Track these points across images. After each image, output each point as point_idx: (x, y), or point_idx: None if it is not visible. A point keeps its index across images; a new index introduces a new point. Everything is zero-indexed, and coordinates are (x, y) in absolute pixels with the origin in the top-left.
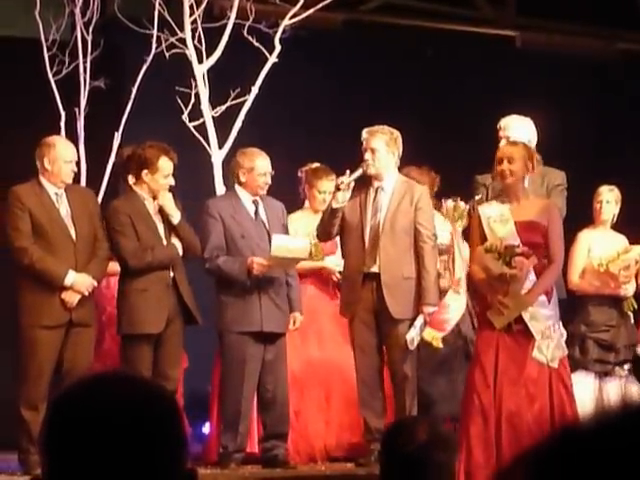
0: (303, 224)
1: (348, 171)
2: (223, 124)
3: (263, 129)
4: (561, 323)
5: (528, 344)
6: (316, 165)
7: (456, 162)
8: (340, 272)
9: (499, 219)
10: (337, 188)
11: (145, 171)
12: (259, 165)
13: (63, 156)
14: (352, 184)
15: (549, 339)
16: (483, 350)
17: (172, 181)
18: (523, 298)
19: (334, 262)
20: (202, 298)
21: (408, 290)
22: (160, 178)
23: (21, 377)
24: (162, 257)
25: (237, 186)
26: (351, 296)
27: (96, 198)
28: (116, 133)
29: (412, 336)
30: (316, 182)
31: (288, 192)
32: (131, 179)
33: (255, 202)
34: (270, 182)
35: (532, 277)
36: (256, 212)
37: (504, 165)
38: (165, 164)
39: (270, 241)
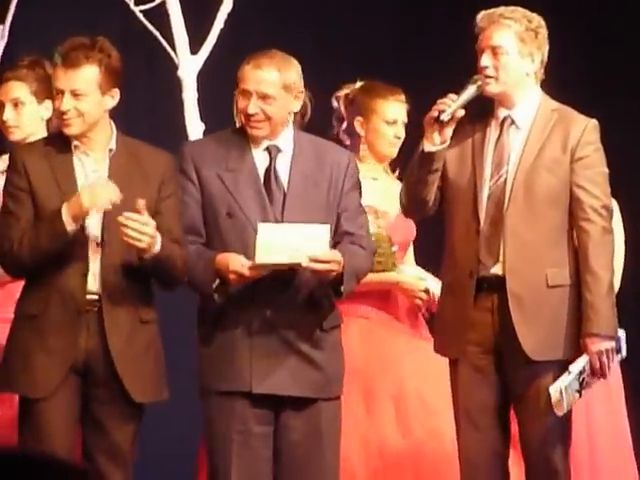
0: (370, 190)
1: (453, 95)
2: (199, 9)
3: (268, 19)
4: None
5: None
6: (365, 83)
7: None
8: (426, 290)
9: None
10: (436, 119)
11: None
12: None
13: None
14: (460, 112)
15: None
16: None
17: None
18: None
19: (416, 274)
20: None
21: (557, 309)
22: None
23: None
24: (46, 243)
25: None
26: (456, 320)
27: None
28: (0, 26)
29: (559, 388)
30: (379, 105)
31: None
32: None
33: (271, 149)
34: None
35: None
36: (270, 167)
37: None
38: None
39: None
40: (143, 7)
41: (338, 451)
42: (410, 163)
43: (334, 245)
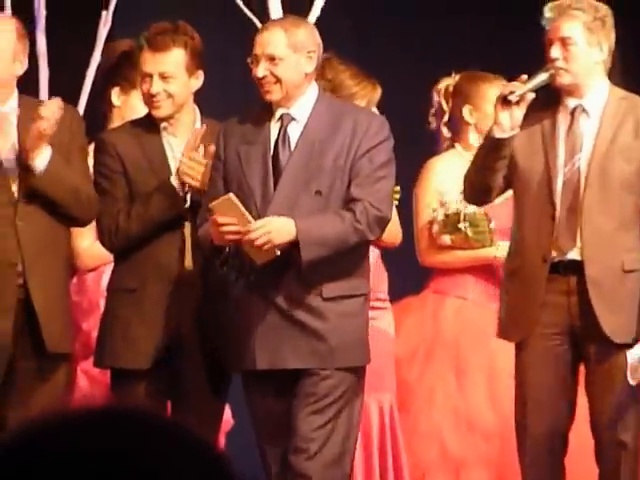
0: (454, 175)
1: (524, 76)
2: None
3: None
4: None
5: None
6: (468, 72)
7: None
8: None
9: None
10: (503, 101)
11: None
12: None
13: None
14: (530, 97)
15: None
16: None
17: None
18: None
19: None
20: None
21: (633, 292)
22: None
23: None
24: (158, 214)
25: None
26: (524, 303)
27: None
28: (104, 12)
29: (637, 355)
30: (489, 92)
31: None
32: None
33: (284, 118)
34: None
35: None
36: (278, 138)
37: None
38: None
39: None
40: None
41: (349, 425)
42: (477, 149)
43: None
